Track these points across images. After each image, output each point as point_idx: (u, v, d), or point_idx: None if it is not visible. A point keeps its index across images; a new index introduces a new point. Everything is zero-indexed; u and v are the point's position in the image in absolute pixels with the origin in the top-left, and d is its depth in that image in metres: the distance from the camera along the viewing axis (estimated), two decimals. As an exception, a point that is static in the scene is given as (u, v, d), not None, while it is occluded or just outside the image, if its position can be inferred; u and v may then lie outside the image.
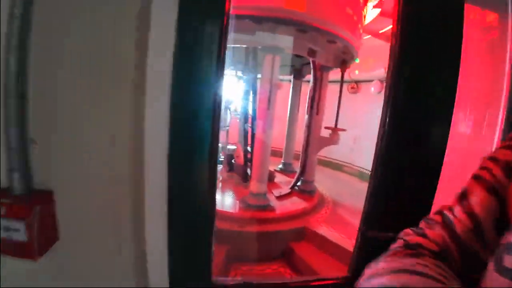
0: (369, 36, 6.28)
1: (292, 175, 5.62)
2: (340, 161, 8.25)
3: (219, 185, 5.05)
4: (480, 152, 1.51)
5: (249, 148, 4.99)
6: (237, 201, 4.34)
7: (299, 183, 5.08)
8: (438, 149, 1.17)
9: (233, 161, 5.30)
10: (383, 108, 1.18)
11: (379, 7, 5.22)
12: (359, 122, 7.67)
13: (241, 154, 5.06)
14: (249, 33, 3.74)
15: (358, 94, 7.79)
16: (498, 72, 1.38)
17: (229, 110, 5.26)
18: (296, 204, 4.57)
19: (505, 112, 1.32)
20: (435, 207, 0.85)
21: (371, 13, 5.49)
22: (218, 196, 4.49)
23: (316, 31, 3.42)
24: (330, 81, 4.96)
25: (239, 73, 6.07)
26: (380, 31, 6.07)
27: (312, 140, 4.84)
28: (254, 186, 4.07)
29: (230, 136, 5.60)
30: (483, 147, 1.45)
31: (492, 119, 1.39)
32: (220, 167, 5.41)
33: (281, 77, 8.38)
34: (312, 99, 4.78)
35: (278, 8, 3.19)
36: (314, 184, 5.18)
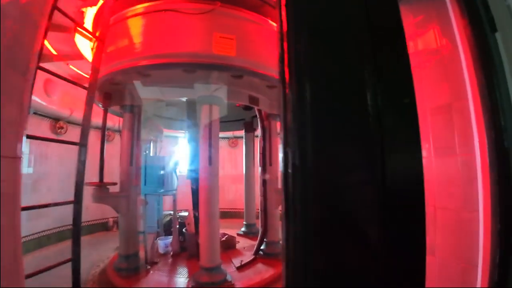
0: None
1: (256, 238, 4.94)
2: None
3: (169, 261, 4.17)
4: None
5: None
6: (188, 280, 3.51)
7: (263, 246, 4.39)
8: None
9: (184, 230, 4.53)
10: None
11: None
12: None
13: (193, 221, 4.34)
14: (185, 86, 3.48)
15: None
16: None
17: (175, 172, 4.68)
18: (261, 273, 3.82)
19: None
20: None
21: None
22: (164, 278, 3.67)
23: (251, 75, 3.23)
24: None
25: (184, 132, 5.73)
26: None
27: (270, 194, 4.34)
28: (204, 258, 3.33)
29: (181, 202, 4.92)
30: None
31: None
32: (169, 239, 4.57)
33: (234, 134, 8.29)
34: (263, 150, 4.44)
35: (207, 54, 2.99)
36: (280, 244, 4.50)
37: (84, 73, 5.41)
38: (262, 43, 3.44)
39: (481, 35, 1.03)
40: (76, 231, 2.20)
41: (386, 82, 0.73)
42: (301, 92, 0.70)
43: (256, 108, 4.30)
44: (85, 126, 2.32)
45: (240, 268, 3.89)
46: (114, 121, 5.63)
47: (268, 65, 3.41)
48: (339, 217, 0.67)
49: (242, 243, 5.03)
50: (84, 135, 2.30)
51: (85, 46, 5.14)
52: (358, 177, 0.67)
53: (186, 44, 3.03)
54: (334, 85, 0.71)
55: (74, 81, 2.32)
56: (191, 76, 3.23)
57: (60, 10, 2.01)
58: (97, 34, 2.83)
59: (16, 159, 1.19)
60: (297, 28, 0.74)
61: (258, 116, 4.45)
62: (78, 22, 2.41)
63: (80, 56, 5.03)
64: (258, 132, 5.26)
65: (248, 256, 4.28)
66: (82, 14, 3.88)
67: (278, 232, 4.51)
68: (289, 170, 0.67)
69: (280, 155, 0.70)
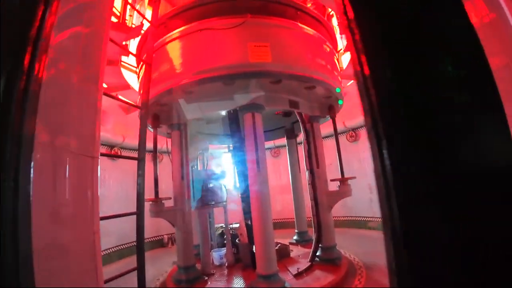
0: (352, 81, 6.26)
1: (310, 245, 4.78)
2: (362, 216, 7.33)
3: (225, 272, 4.21)
4: None
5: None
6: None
7: (318, 253, 4.23)
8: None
9: (237, 240, 4.56)
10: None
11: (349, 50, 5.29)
12: (368, 170, 7.11)
13: (245, 231, 4.35)
14: (226, 98, 3.60)
15: (358, 141, 7.41)
16: None
17: (224, 185, 4.78)
18: (320, 279, 3.67)
19: None
20: None
21: (345, 57, 5.56)
22: (222, 287, 3.70)
23: (289, 79, 3.24)
24: (326, 136, 4.64)
25: (231, 147, 5.87)
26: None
27: (320, 198, 4.21)
28: (261, 266, 3.29)
29: (231, 214, 4.99)
30: None
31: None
32: (223, 250, 4.63)
33: (275, 143, 8.30)
34: (309, 153, 4.35)
35: (244, 63, 3.09)
36: (337, 249, 4.31)
37: (132, 101, 5.92)
38: (295, 46, 3.48)
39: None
40: (139, 241, 2.34)
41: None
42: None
43: (296, 112, 4.28)
44: (141, 142, 2.49)
45: (298, 275, 3.78)
46: (161, 143, 6.01)
47: (304, 66, 3.41)
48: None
49: (295, 251, 4.91)
50: (141, 150, 2.48)
51: (130, 78, 5.64)
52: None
53: (223, 57, 3.17)
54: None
55: (132, 103, 2.53)
56: (230, 88, 3.34)
57: (113, 41, 2.24)
58: (143, 58, 3.08)
59: (94, 158, 1.32)
60: None
61: (299, 120, 4.41)
62: (129, 51, 2.65)
63: (127, 87, 5.52)
64: (300, 137, 5.22)
65: (304, 264, 4.15)
66: (126, 47, 4.23)
67: (334, 237, 4.33)
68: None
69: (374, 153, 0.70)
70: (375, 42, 0.82)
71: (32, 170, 0.93)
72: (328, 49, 3.98)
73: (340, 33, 5.18)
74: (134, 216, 2.32)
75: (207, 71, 3.12)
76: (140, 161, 2.48)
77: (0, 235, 0.74)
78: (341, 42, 5.67)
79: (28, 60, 0.96)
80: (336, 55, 4.39)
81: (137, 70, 4.43)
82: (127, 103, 2.54)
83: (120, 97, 5.76)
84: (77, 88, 1.36)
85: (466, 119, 0.71)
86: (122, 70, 5.29)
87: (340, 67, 4.66)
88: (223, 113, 4.77)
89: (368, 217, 7.21)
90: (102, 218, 1.53)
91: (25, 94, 0.92)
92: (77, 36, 1.41)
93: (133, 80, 5.62)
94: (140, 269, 2.34)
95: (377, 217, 6.97)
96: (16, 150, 0.87)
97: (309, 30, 3.71)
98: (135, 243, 6.40)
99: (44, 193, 1.05)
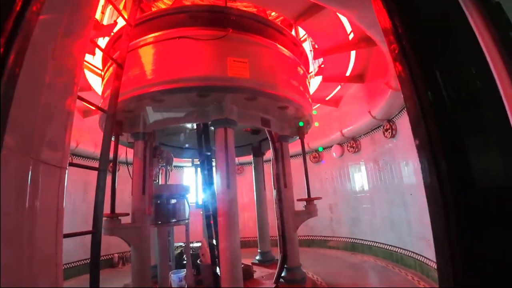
0: (318, 104, 6.54)
1: (274, 266, 4.69)
2: (322, 236, 7.48)
3: (183, 298, 3.90)
4: None
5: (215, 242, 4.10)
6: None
7: (283, 273, 4.14)
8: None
9: (198, 261, 4.28)
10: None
11: (320, 74, 5.54)
12: (329, 190, 7.37)
13: (207, 251, 4.11)
14: (198, 110, 3.48)
15: (320, 163, 7.68)
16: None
17: (187, 200, 4.52)
18: (286, 302, 3.58)
19: None
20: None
21: (314, 81, 5.81)
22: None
23: (264, 97, 3.24)
24: (291, 156, 4.71)
25: (195, 161, 5.65)
26: (327, 98, 6.37)
27: (287, 217, 4.18)
28: (227, 289, 3.11)
29: (193, 233, 4.72)
30: None
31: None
32: (182, 272, 4.30)
33: (240, 160, 8.24)
34: (277, 172, 4.35)
35: (222, 77, 3.02)
36: (301, 270, 4.27)
37: (89, 105, 5.45)
38: (272, 66, 3.52)
39: None
40: (94, 264, 2.05)
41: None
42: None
43: (267, 130, 4.28)
44: (104, 151, 2.24)
45: (262, 298, 3.65)
46: (120, 152, 5.59)
47: (279, 86, 3.46)
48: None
49: (259, 272, 4.76)
50: (103, 160, 2.22)
51: (93, 78, 5.23)
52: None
53: (200, 68, 3.07)
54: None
55: (98, 106, 2.29)
56: (204, 100, 3.23)
57: (92, 42, 2.03)
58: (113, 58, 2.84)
59: (62, 168, 1.14)
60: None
61: (269, 138, 4.41)
62: (100, 48, 2.43)
63: (88, 88, 5.10)
64: (268, 156, 5.22)
65: (269, 285, 4.04)
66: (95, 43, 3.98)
67: (299, 257, 4.30)
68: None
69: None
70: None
71: None
72: (301, 72, 4.11)
73: (314, 58, 5.42)
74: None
75: (183, 80, 2.99)
76: (101, 171, 2.22)
77: None
78: (312, 65, 5.93)
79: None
80: (308, 78, 4.54)
81: (102, 73, 4.10)
82: (96, 106, 2.29)
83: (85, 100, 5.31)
84: (50, 89, 1.19)
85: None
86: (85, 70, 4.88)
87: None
88: (189, 126, 4.60)
89: (328, 236, 7.37)
90: (65, 236, 1.31)
91: None
92: (55, 30, 1.24)
93: (95, 81, 5.21)
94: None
95: (337, 236, 7.16)
96: None
97: (286, 51, 3.80)
98: (80, 262, 5.75)
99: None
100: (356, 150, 6.58)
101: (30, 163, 0.99)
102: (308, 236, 7.66)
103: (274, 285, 3.96)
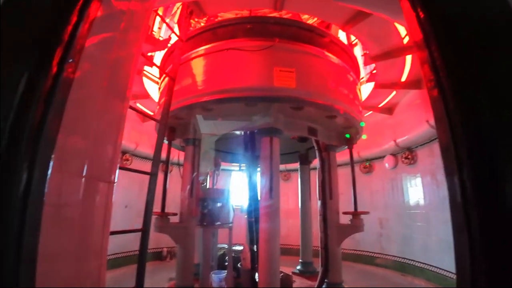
0: (370, 112, 6.18)
1: (314, 278, 4.55)
2: (370, 252, 7.02)
3: (223, 299, 4.01)
4: None
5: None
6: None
7: (324, 287, 3.99)
8: None
9: (239, 265, 4.36)
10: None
11: (372, 80, 5.22)
12: (380, 203, 6.88)
13: (248, 255, 4.17)
14: (244, 119, 3.56)
15: (372, 173, 7.22)
16: None
17: (231, 205, 4.64)
18: (324, 319, 3.44)
19: None
20: None
21: (365, 87, 5.50)
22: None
23: (311, 106, 3.18)
24: (339, 165, 4.52)
25: (242, 166, 5.79)
26: (380, 105, 5.98)
27: (331, 230, 4.02)
28: (264, 298, 3.11)
29: (237, 236, 4.83)
30: None
31: None
32: (223, 273, 4.43)
33: (288, 167, 8.18)
34: (322, 182, 4.21)
35: (269, 87, 3.05)
36: (343, 286, 4.07)
37: (150, 111, 5.98)
38: (319, 74, 3.44)
39: None
40: (141, 260, 2.23)
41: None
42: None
43: (314, 139, 4.19)
44: (156, 156, 2.43)
45: (300, 311, 3.57)
46: (173, 154, 6.01)
47: (327, 95, 3.36)
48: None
49: (298, 282, 4.67)
50: (155, 165, 2.41)
51: (150, 87, 5.71)
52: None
53: (247, 79, 3.14)
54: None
55: (150, 116, 2.49)
56: (252, 109, 3.29)
57: (143, 55, 2.23)
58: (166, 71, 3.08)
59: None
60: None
61: (316, 147, 4.30)
62: (154, 63, 2.65)
63: (146, 96, 5.58)
64: (315, 164, 5.10)
65: (307, 298, 3.94)
66: (151, 58, 4.31)
67: (341, 273, 4.10)
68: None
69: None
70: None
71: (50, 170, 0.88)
72: (351, 79, 3.93)
73: (365, 64, 5.15)
74: (133, 224, 2.22)
75: (231, 90, 3.09)
76: (153, 176, 2.41)
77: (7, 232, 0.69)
78: (363, 71, 5.63)
79: (57, 61, 0.92)
80: (358, 85, 4.33)
81: (159, 81, 4.47)
82: (147, 115, 2.50)
83: (139, 106, 5.83)
84: (103, 98, 1.32)
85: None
86: (143, 78, 5.36)
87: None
88: (238, 132, 4.73)
89: (376, 253, 6.90)
90: (112, 233, 1.45)
91: (50, 94, 0.88)
92: (110, 44, 1.39)
93: (152, 89, 5.68)
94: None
95: (385, 254, 6.65)
96: (34, 148, 0.82)
97: (334, 58, 3.68)
98: (131, 253, 6.26)
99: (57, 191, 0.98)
100: (412, 161, 6.04)
101: (89, 152, 1.12)
102: (354, 250, 7.26)
103: (313, 299, 3.84)
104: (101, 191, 1.23)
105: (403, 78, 5.15)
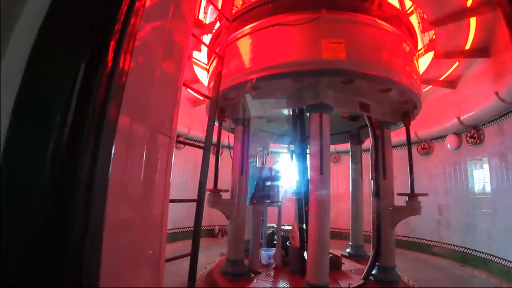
0: (429, 86, 5.61)
1: (364, 262, 4.43)
2: (426, 240, 6.55)
3: (271, 273, 4.13)
4: None
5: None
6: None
7: (374, 271, 3.86)
8: None
9: (287, 243, 4.44)
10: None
11: (432, 50, 4.70)
12: (439, 188, 6.32)
13: (297, 234, 4.21)
14: (292, 96, 3.52)
15: (431, 155, 6.63)
16: None
17: (280, 184, 4.71)
18: (375, 301, 3.36)
19: None
20: None
21: (424, 60, 4.99)
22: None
23: (363, 79, 3.00)
24: (393, 146, 4.23)
25: (291, 147, 5.80)
26: (441, 78, 5.38)
27: (384, 212, 3.84)
28: (311, 275, 3.12)
29: (284, 217, 4.91)
30: None
31: None
32: (272, 250, 4.55)
33: (337, 148, 7.92)
34: (376, 161, 4.00)
35: (317, 60, 2.94)
36: (395, 271, 3.89)
37: (195, 93, 6.25)
38: (371, 44, 3.20)
39: None
40: (197, 228, 2.38)
41: None
42: None
43: (366, 116, 3.98)
44: (209, 132, 2.55)
45: (349, 291, 3.52)
46: (223, 137, 6.28)
47: (380, 66, 3.13)
48: None
49: (347, 265, 4.59)
50: (207, 140, 2.53)
51: (200, 73, 5.94)
52: None
53: (294, 53, 3.07)
54: None
55: (203, 93, 2.61)
56: (299, 86, 3.24)
57: (194, 35, 2.32)
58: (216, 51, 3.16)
59: (171, 138, 1.36)
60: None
61: (369, 125, 4.08)
62: (204, 43, 2.75)
63: (196, 81, 5.82)
64: (366, 145, 4.87)
65: (356, 280, 3.85)
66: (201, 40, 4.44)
67: (394, 257, 3.91)
68: None
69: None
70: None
71: (113, 148, 0.96)
72: (407, 49, 3.60)
73: (423, 31, 4.65)
74: (188, 204, 2.37)
75: (278, 66, 3.06)
76: (206, 150, 2.53)
77: (75, 207, 0.76)
78: (421, 41, 5.10)
79: (112, 50, 0.98)
80: (416, 55, 3.95)
81: (207, 67, 4.62)
82: (200, 93, 2.62)
83: (189, 91, 6.14)
84: (160, 78, 1.41)
85: None
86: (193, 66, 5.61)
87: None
88: (286, 112, 4.70)
89: (433, 241, 6.41)
90: (170, 201, 1.58)
91: (109, 80, 0.95)
92: (161, 28, 1.46)
93: (202, 75, 5.91)
94: (194, 255, 2.37)
95: (444, 243, 6.15)
96: (98, 130, 0.89)
97: (388, 27, 3.39)
98: (187, 229, 6.72)
99: (121, 168, 1.08)
100: (478, 141, 5.36)
101: (145, 127, 1.22)
102: (409, 237, 6.84)
103: (362, 281, 3.74)
104: (160, 170, 1.34)
105: (467, 46, 4.54)
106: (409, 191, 3.87)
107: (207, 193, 3.81)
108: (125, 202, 1.12)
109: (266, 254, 4.53)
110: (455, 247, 5.87)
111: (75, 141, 0.78)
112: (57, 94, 0.81)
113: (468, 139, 5.58)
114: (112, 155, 0.95)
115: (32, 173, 0.73)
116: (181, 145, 6.44)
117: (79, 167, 0.79)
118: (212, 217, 6.91)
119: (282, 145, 6.54)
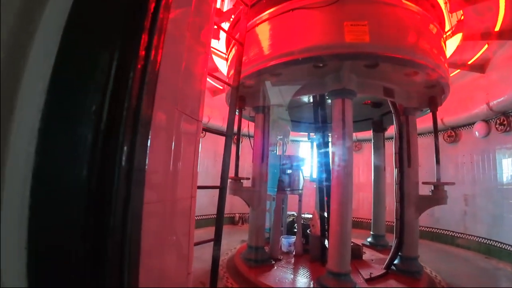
0: (457, 70, 5.33)
1: (386, 251, 4.37)
2: (451, 231, 6.35)
3: (291, 261, 4.17)
4: None
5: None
6: (312, 282, 3.41)
7: (396, 261, 3.80)
8: None
9: (308, 231, 4.45)
10: None
11: (460, 31, 4.44)
12: (466, 178, 6.07)
13: (318, 223, 4.21)
14: (315, 82, 3.46)
15: (458, 143, 6.35)
16: None
17: (301, 172, 4.69)
18: (395, 290, 3.32)
19: None
20: None
21: (451, 42, 4.72)
22: (288, 275, 3.66)
23: (387, 62, 2.89)
24: (419, 133, 4.06)
25: (311, 135, 5.75)
26: (470, 61, 5.08)
27: (408, 201, 3.74)
28: (333, 263, 3.12)
29: (305, 205, 4.90)
30: None
31: None
32: (292, 238, 4.59)
33: (359, 136, 7.75)
34: (400, 149, 3.88)
35: (339, 43, 2.86)
36: (418, 262, 3.80)
37: (216, 79, 6.28)
38: (396, 26, 3.04)
39: None
40: (220, 214, 2.43)
41: None
42: None
43: (390, 101, 3.86)
44: (230, 119, 2.57)
45: (370, 280, 3.48)
46: (243, 126, 6.34)
47: (405, 48, 2.99)
48: None
49: (368, 254, 4.55)
50: (229, 127, 2.55)
51: (218, 61, 5.95)
52: None
53: (315, 37, 2.99)
54: None
55: (224, 80, 2.62)
56: (321, 71, 3.17)
57: (215, 24, 2.32)
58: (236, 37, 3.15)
59: (198, 121, 1.42)
60: None
61: (393, 111, 3.94)
62: (224, 29, 2.74)
63: (215, 69, 5.84)
64: (389, 133, 4.73)
65: (378, 270, 3.81)
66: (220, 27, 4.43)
67: (417, 247, 3.82)
68: None
69: None
70: None
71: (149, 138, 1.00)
72: (434, 30, 3.42)
73: (451, 11, 4.39)
74: (210, 192, 2.42)
75: (298, 51, 2.99)
76: (228, 137, 2.56)
77: (116, 197, 0.80)
78: (449, 22, 4.81)
79: (144, 42, 1.00)
80: (444, 37, 3.75)
81: (226, 56, 4.62)
82: (222, 80, 2.63)
83: (208, 80, 6.18)
84: (186, 67, 1.44)
85: None
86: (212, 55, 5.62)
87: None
88: (306, 100, 4.64)
89: (458, 233, 6.20)
90: (198, 188, 1.62)
91: (143, 71, 0.97)
92: (186, 18, 1.48)
93: (221, 64, 5.92)
94: (217, 240, 2.43)
95: (469, 234, 5.94)
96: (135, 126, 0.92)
97: (413, 7, 3.21)
98: (209, 216, 6.86)
99: (157, 154, 1.12)
100: (508, 128, 5.07)
101: (176, 113, 1.26)
102: (432, 228, 6.65)
103: (384, 271, 3.69)
104: (189, 157, 1.38)
105: (497, 28, 4.24)
106: (434, 180, 3.75)
107: (229, 181, 3.87)
108: (159, 188, 1.17)
109: (287, 242, 4.57)
110: (481, 239, 5.66)
111: (111, 136, 0.81)
112: (91, 91, 0.84)
113: (497, 126, 5.29)
114: (148, 146, 0.99)
115: (72, 168, 0.76)
116: (202, 134, 6.55)
117: (118, 159, 0.82)
118: (233, 205, 7.05)
119: (302, 133, 6.47)
